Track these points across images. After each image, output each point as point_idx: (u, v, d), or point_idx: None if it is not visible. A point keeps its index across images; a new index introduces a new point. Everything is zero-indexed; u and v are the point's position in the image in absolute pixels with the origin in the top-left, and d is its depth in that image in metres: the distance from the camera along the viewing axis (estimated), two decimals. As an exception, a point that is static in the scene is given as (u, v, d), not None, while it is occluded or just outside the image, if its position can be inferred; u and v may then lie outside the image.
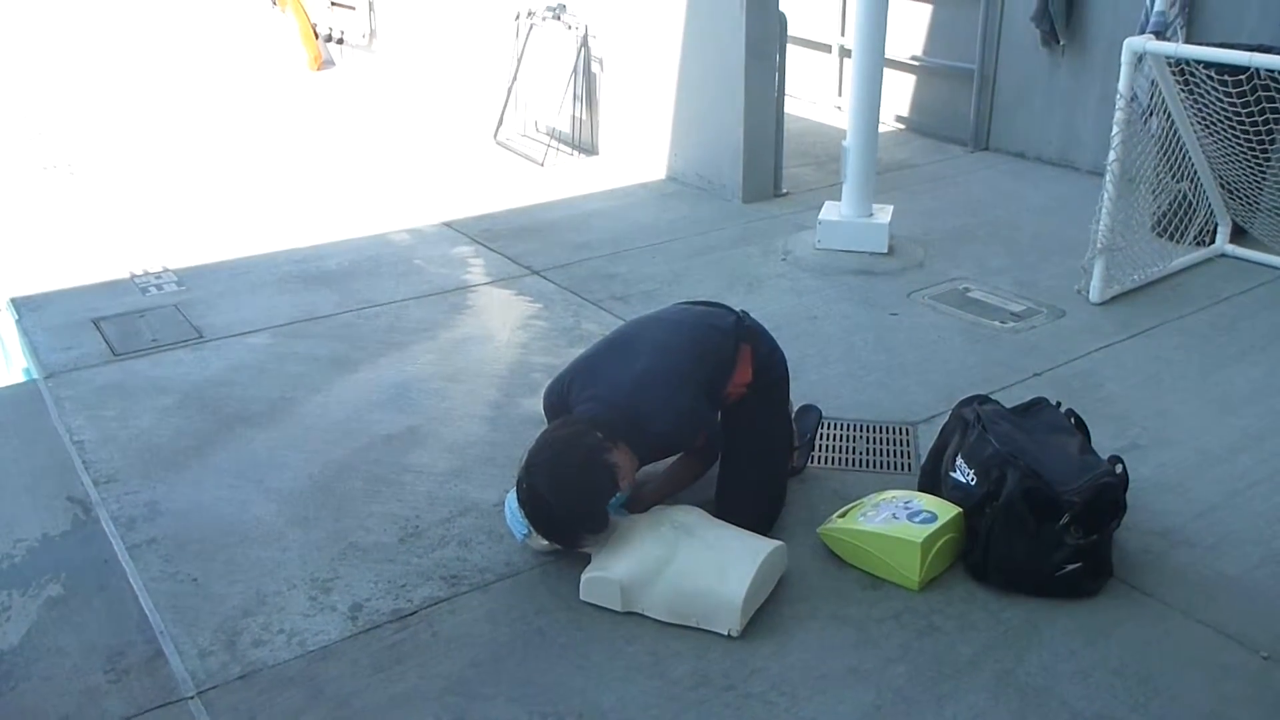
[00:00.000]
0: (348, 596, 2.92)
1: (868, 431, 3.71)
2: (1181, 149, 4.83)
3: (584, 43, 6.86)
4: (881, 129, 5.40)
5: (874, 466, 3.51)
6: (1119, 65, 4.41)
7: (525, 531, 2.95)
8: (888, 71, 5.51)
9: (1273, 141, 4.76)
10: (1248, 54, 4.25)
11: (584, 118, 7.07)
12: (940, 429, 3.26)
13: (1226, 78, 4.55)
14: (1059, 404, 3.24)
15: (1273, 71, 4.35)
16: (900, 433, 3.70)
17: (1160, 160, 4.84)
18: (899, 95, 7.55)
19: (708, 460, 3.22)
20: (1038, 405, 3.22)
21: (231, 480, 3.46)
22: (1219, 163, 4.90)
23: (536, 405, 3.44)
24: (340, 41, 9.73)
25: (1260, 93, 4.52)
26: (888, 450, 3.60)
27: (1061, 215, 5.81)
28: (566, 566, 2.96)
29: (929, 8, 7.24)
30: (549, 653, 2.71)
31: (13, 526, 3.24)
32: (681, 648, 2.71)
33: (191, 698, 2.58)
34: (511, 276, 5.16)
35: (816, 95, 8.22)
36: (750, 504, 3.12)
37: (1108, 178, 4.57)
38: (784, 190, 6.26)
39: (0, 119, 8.10)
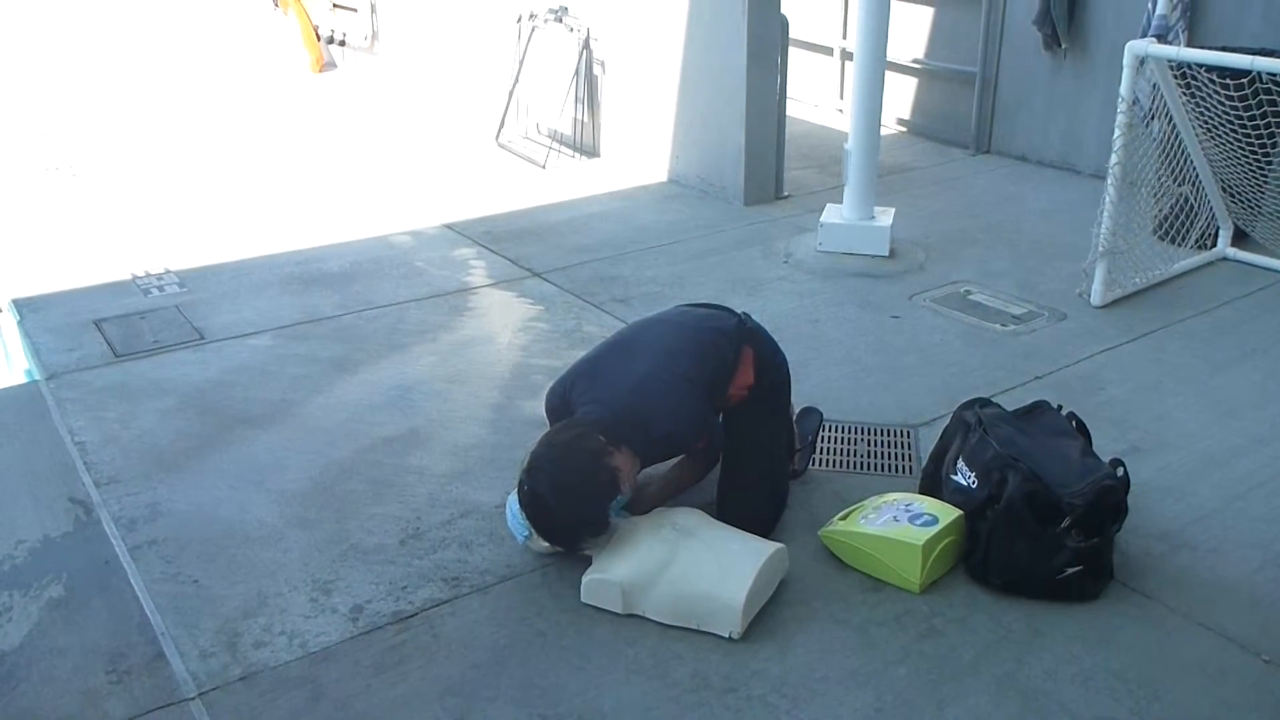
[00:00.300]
0: (349, 598, 2.92)
1: (869, 434, 3.71)
2: (1183, 152, 4.83)
3: (586, 45, 6.87)
4: (883, 132, 5.40)
5: (875, 469, 3.51)
6: (1121, 69, 4.41)
7: (526, 533, 2.95)
8: (889, 74, 5.51)
9: (1274, 145, 4.76)
10: (1249, 57, 4.25)
11: (585, 120, 7.07)
12: (941, 432, 3.26)
13: (1228, 81, 4.55)
14: (1060, 407, 3.24)
15: (1274, 75, 4.35)
16: (901, 435, 3.70)
17: (1162, 164, 4.84)
18: (901, 98, 7.56)
19: (709, 462, 3.22)
20: (1039, 408, 3.22)
21: (233, 482, 3.47)
22: (1221, 166, 4.90)
23: (538, 407, 3.44)
24: (342, 44, 9.74)
25: (1262, 96, 4.52)
26: (889, 453, 3.60)
27: (1063, 218, 5.81)
28: (567, 569, 2.96)
29: (931, 11, 7.24)
30: (550, 655, 2.71)
31: (14, 527, 3.24)
32: (682, 650, 2.71)
33: (192, 699, 2.58)
34: (513, 279, 5.17)
35: (818, 98, 8.22)
36: (751, 506, 3.12)
37: (1109, 181, 4.57)
38: (785, 193, 6.27)
39: (3, 121, 8.11)
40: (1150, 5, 5.76)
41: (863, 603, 2.88)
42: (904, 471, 3.49)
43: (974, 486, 2.97)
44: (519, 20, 7.28)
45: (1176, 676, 2.61)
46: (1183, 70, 4.66)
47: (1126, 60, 4.38)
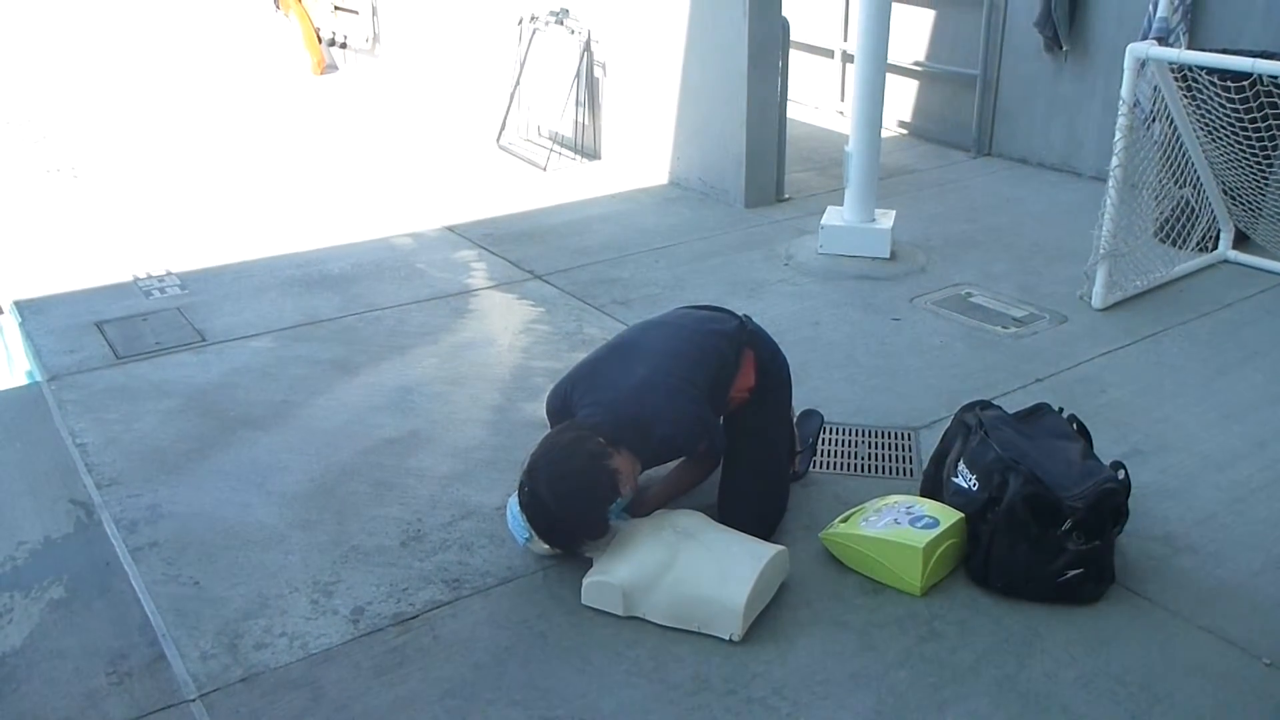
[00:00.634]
0: (349, 600, 2.92)
1: (869, 436, 3.71)
2: (1184, 155, 4.83)
3: (587, 47, 6.87)
4: (884, 134, 5.40)
5: (876, 472, 3.51)
6: (1121, 71, 4.41)
7: (527, 535, 2.95)
8: (890, 77, 5.52)
9: (1275, 147, 4.76)
10: (1250, 60, 4.25)
11: (586, 122, 7.08)
12: (942, 434, 3.26)
13: (1229, 83, 4.55)
14: (1061, 409, 3.24)
15: (1275, 77, 4.35)
16: (902, 438, 3.70)
17: (1163, 166, 4.84)
18: (902, 101, 7.56)
19: (710, 465, 3.22)
20: (1040, 411, 3.22)
21: (234, 483, 3.47)
22: (1222, 168, 4.90)
23: (538, 409, 3.44)
24: (343, 46, 9.75)
25: (1263, 98, 4.53)
26: (889, 455, 3.60)
27: (1064, 221, 5.81)
28: (568, 571, 2.96)
29: (932, 13, 7.24)
30: (550, 657, 2.71)
31: (15, 529, 3.24)
32: (683, 652, 2.71)
33: (193, 700, 2.58)
34: (514, 281, 5.17)
35: (819, 100, 8.22)
36: (752, 509, 3.12)
37: (1110, 183, 4.57)
38: (786, 195, 6.27)
39: (4, 123, 8.12)
40: (1151, 8, 5.76)
41: (863, 605, 2.88)
42: (905, 474, 3.49)
43: (975, 489, 2.97)
44: (520, 22, 7.29)
45: (1177, 679, 2.61)
46: (1184, 73, 4.66)
47: (1127, 63, 4.39)
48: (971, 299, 4.84)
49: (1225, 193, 5.04)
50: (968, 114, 7.11)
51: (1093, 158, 6.38)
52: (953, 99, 7.26)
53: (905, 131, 7.64)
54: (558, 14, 6.99)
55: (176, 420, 3.86)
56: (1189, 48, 5.58)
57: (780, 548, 2.90)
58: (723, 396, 3.16)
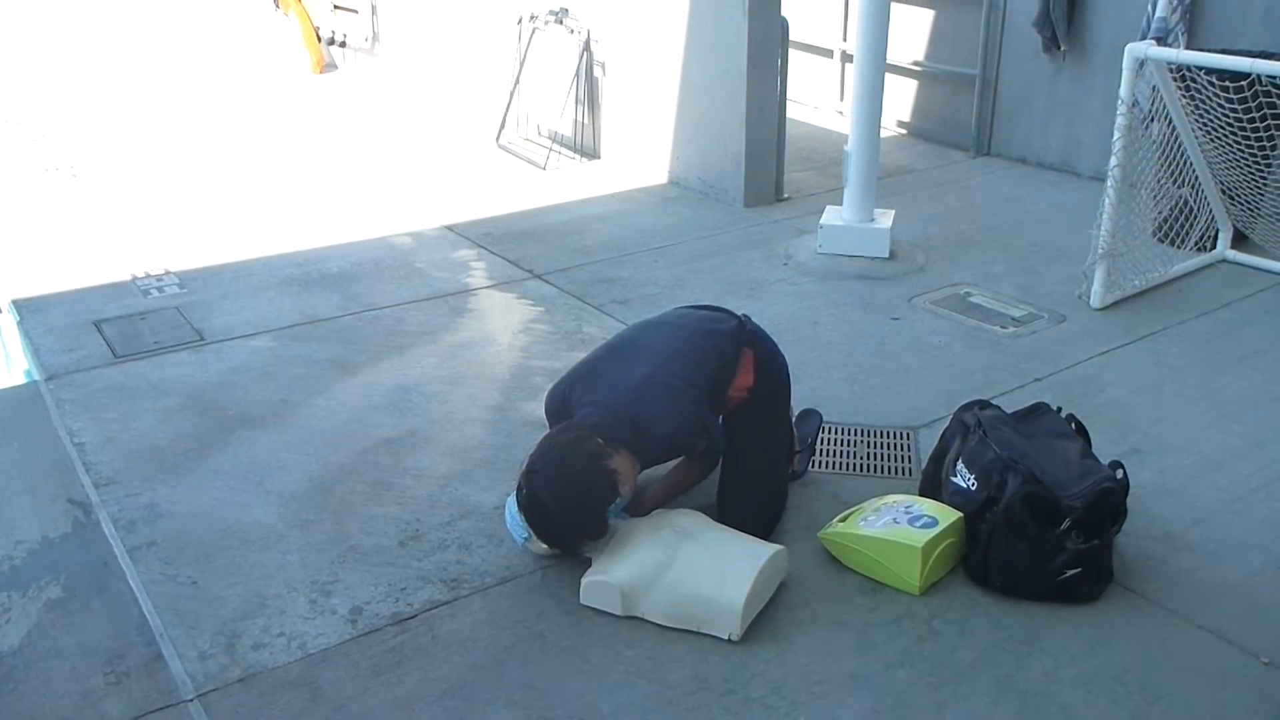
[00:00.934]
0: (348, 599, 2.91)
1: (868, 436, 3.71)
2: (1183, 154, 4.83)
3: (586, 47, 6.87)
4: (883, 134, 5.40)
5: (874, 471, 3.51)
6: (1120, 71, 4.41)
7: (525, 535, 2.95)
8: (889, 77, 5.52)
9: (1274, 147, 4.76)
10: (1249, 60, 4.25)
11: (586, 122, 7.07)
12: (941, 434, 3.26)
13: (1228, 83, 4.55)
14: (1059, 409, 3.24)
15: (1274, 77, 4.35)
16: (901, 437, 3.70)
17: (1161, 166, 4.84)
18: (901, 100, 7.56)
19: (709, 465, 3.22)
20: (1038, 410, 3.22)
21: (232, 483, 3.47)
22: (1220, 168, 4.90)
23: (537, 409, 3.44)
24: (343, 45, 9.74)
25: (1261, 99, 4.52)
26: (888, 455, 3.59)
27: (1062, 221, 5.81)
28: (567, 570, 2.96)
29: (931, 13, 7.24)
30: (549, 656, 2.70)
31: (13, 528, 3.24)
32: (681, 652, 2.71)
33: (191, 700, 2.58)
34: (513, 280, 5.17)
35: (818, 100, 8.22)
36: (751, 508, 3.12)
37: (1109, 183, 4.57)
38: (785, 195, 6.27)
39: (3, 121, 8.12)
40: (1150, 7, 5.76)
41: (862, 605, 2.88)
42: (903, 473, 3.49)
43: (973, 488, 2.97)
44: (519, 22, 7.29)
45: (1176, 678, 2.61)
46: (1182, 72, 4.66)
47: (1126, 63, 4.39)
48: (970, 299, 4.84)
49: (1224, 192, 5.04)
50: (967, 114, 7.11)
51: (1091, 157, 6.38)
52: (952, 99, 7.26)
53: (904, 131, 7.64)
54: (557, 13, 6.98)
55: (175, 419, 3.86)
56: (1188, 48, 5.58)
57: (779, 547, 2.89)
58: (722, 396, 3.15)
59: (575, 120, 7.10)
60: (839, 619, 2.83)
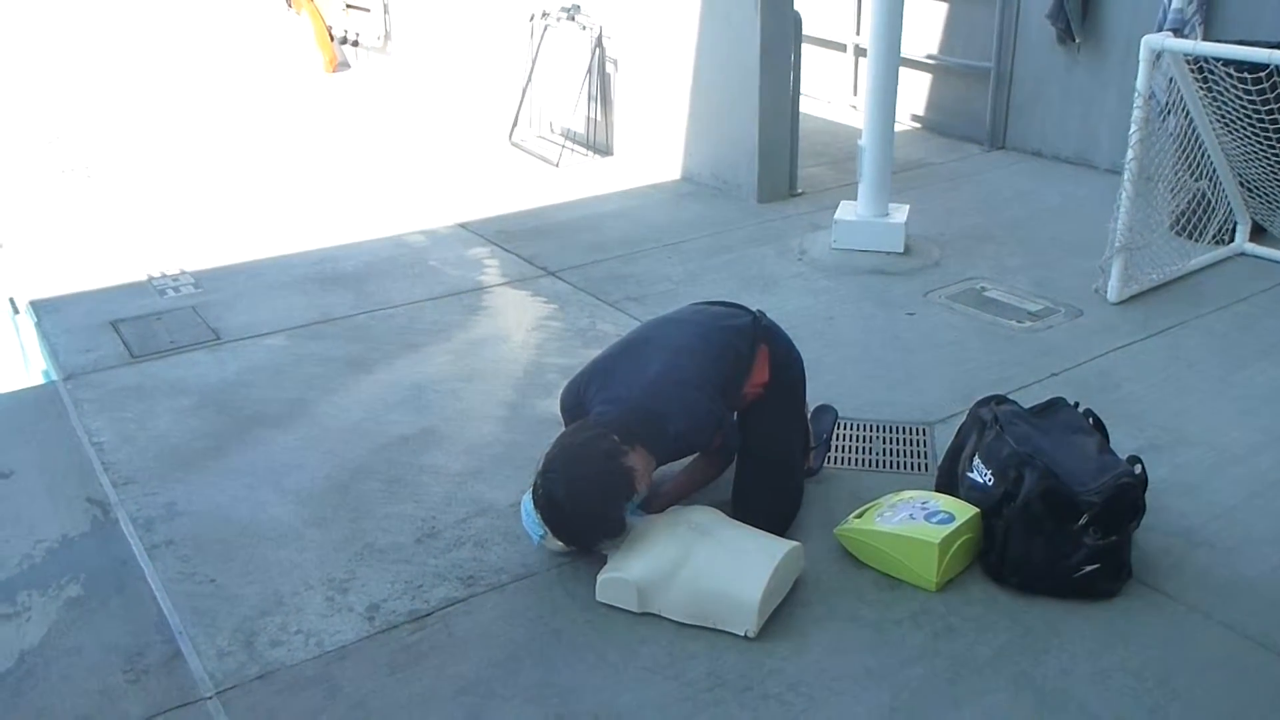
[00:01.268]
0: (364, 597, 2.92)
1: (884, 432, 3.69)
2: (1200, 147, 4.80)
3: (598, 43, 6.86)
4: (897, 128, 5.39)
5: (890, 467, 3.50)
6: (1136, 63, 4.39)
7: (541, 533, 2.95)
8: (903, 70, 5.49)
9: (1292, 139, 4.72)
10: (1267, 51, 4.21)
11: (599, 118, 7.07)
12: (957, 429, 3.25)
13: (1245, 75, 4.51)
14: (1077, 404, 3.22)
15: (1292, 69, 4.32)
16: (917, 433, 3.69)
17: (1179, 158, 4.81)
18: (915, 94, 7.53)
19: (724, 461, 3.22)
20: (1055, 405, 3.20)
21: (249, 481, 3.48)
22: (1238, 161, 4.87)
23: (552, 406, 3.44)
24: (355, 44, 9.76)
25: (1280, 90, 4.49)
26: (904, 450, 3.58)
27: (1079, 214, 5.78)
28: (583, 567, 2.96)
29: (945, 6, 7.21)
30: (565, 653, 2.71)
31: (33, 527, 3.26)
32: (698, 648, 2.71)
33: (210, 698, 2.59)
34: (526, 277, 5.17)
35: (832, 94, 8.20)
36: (767, 504, 3.11)
37: (1126, 176, 4.55)
38: (799, 190, 6.25)
39: (18, 123, 8.16)
40: (1166, -1, 5.73)
41: (879, 601, 2.87)
42: (919, 469, 3.48)
43: (990, 484, 2.96)
44: (531, 19, 7.29)
45: (1195, 675, 2.60)
46: (1199, 64, 4.62)
47: (1142, 54, 4.36)
48: (986, 293, 4.82)
49: (1241, 185, 5.00)
50: (981, 107, 7.08)
51: (1108, 151, 6.35)
52: (966, 92, 7.23)
53: (919, 125, 7.61)
54: (569, 10, 6.98)
55: (192, 419, 3.87)
56: (1204, 39, 5.54)
57: (795, 544, 2.89)
58: (737, 392, 3.15)
59: (588, 117, 7.10)
60: (855, 615, 2.82)
